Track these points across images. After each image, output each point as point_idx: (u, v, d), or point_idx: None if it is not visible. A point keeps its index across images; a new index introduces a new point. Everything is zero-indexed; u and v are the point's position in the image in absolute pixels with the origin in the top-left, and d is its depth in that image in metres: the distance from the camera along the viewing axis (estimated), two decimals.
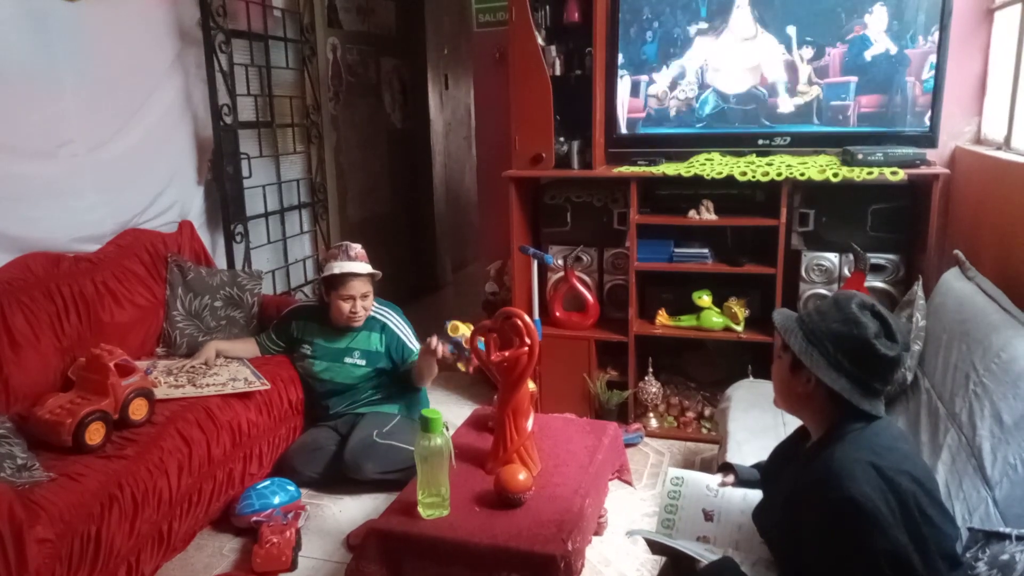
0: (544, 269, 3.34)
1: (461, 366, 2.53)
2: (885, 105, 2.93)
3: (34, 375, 2.44)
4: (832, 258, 3.00)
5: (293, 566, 2.36)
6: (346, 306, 2.83)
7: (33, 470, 2.06)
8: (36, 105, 2.64)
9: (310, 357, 2.95)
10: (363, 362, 2.93)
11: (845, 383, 1.34)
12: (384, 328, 2.94)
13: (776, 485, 1.51)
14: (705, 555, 1.49)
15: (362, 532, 2.39)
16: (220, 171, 3.34)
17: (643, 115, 3.19)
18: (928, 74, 2.85)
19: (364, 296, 2.86)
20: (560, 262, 3.35)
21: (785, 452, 1.59)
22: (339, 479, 2.79)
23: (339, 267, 2.81)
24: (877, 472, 1.27)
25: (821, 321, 1.39)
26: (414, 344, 2.95)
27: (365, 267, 2.86)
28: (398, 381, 2.99)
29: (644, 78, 3.14)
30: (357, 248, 2.90)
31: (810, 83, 2.98)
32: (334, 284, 2.83)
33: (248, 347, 3.01)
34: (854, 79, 2.94)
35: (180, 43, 3.25)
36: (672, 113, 3.16)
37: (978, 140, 3.08)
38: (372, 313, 2.93)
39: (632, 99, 3.19)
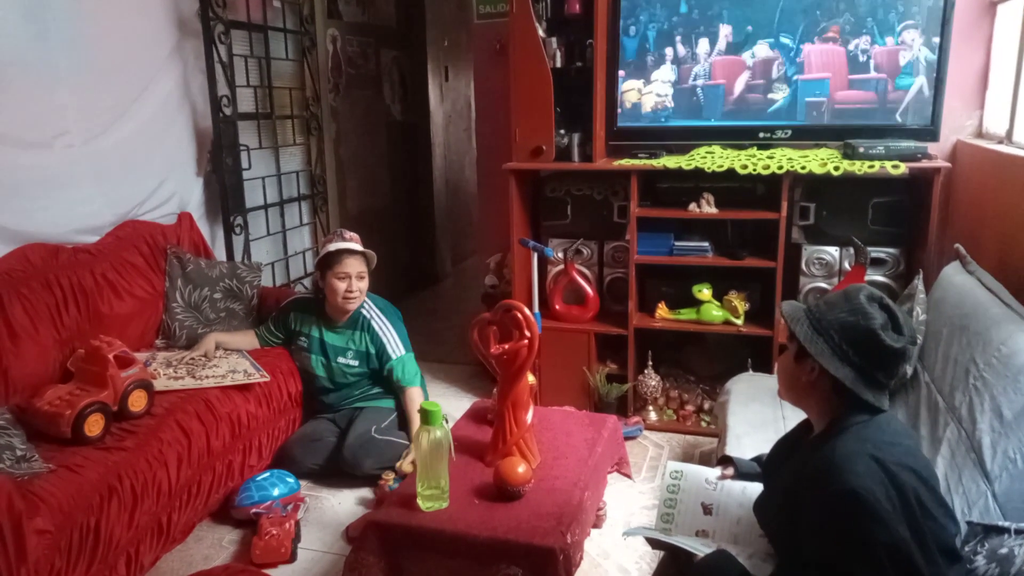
0: (544, 262, 3.33)
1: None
2: (886, 99, 2.93)
3: (33, 366, 2.44)
4: (833, 252, 3.00)
5: (292, 558, 2.36)
6: (342, 285, 2.81)
7: (32, 461, 2.05)
8: (31, 95, 2.62)
9: (306, 351, 2.94)
10: (356, 362, 2.92)
11: (849, 372, 1.34)
12: (370, 329, 2.90)
13: (777, 477, 1.51)
14: (702, 549, 1.49)
15: (361, 524, 2.38)
16: (219, 163, 3.33)
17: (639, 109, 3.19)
18: (930, 68, 2.85)
19: (360, 276, 2.85)
20: (560, 255, 3.35)
21: (788, 444, 1.59)
22: (339, 471, 2.79)
23: (334, 246, 2.83)
24: (878, 465, 1.27)
25: (829, 311, 1.39)
26: (395, 349, 2.89)
27: (359, 246, 2.87)
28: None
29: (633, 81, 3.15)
30: (352, 233, 2.91)
31: (812, 76, 2.98)
32: (330, 263, 2.83)
33: (247, 339, 3.01)
34: (855, 73, 2.93)
35: (179, 33, 3.23)
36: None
37: (980, 134, 3.07)
38: (365, 313, 2.91)
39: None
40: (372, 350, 2.91)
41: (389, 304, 3.04)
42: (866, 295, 1.37)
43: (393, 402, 2.97)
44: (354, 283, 2.83)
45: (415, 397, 2.86)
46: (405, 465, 2.58)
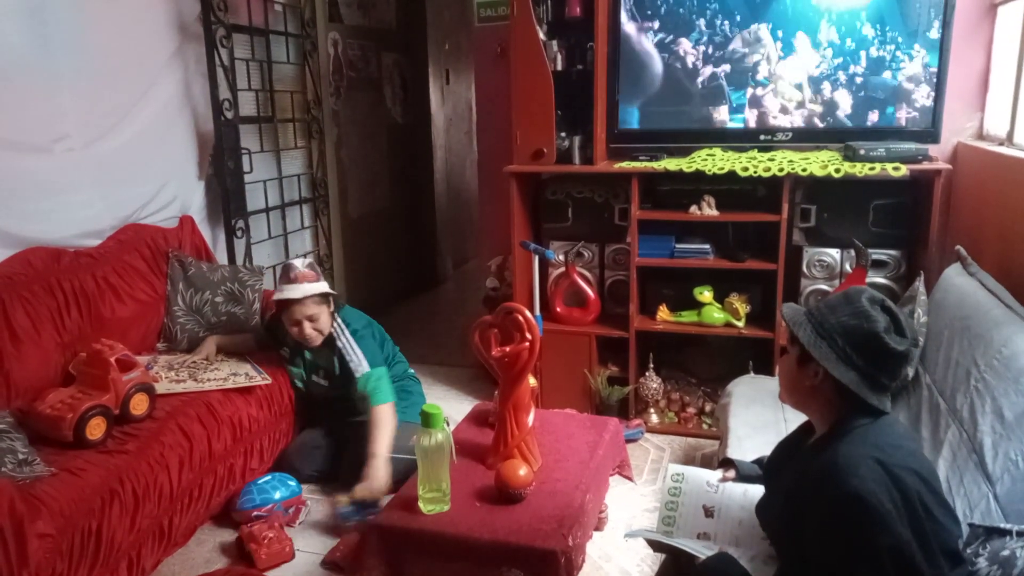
0: (545, 265, 3.34)
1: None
2: (887, 101, 2.93)
3: (35, 370, 2.44)
4: (833, 254, 3.00)
5: (292, 555, 2.39)
6: (295, 331, 2.73)
7: (34, 465, 2.06)
8: (32, 99, 2.63)
9: (288, 362, 2.91)
10: (326, 383, 2.86)
11: (853, 376, 1.34)
12: (335, 350, 2.78)
13: (779, 479, 1.51)
14: (703, 552, 1.49)
15: (339, 548, 2.39)
16: (221, 166, 3.34)
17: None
18: (931, 69, 2.85)
19: (311, 318, 2.70)
20: (561, 257, 3.35)
21: (789, 447, 1.59)
22: (340, 471, 2.78)
23: (278, 293, 2.71)
24: (882, 468, 1.27)
25: (831, 314, 1.38)
26: (359, 366, 2.73)
27: (306, 289, 2.68)
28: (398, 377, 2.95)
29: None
30: (299, 269, 2.72)
31: (812, 78, 2.98)
32: (281, 307, 2.74)
33: (248, 342, 3.00)
34: (857, 73, 2.93)
35: (180, 37, 3.24)
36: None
37: (980, 136, 3.07)
38: (334, 332, 2.78)
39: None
40: (338, 371, 2.80)
41: (360, 317, 2.91)
42: (867, 297, 1.37)
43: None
44: (306, 327, 2.71)
45: (381, 416, 2.62)
46: (359, 491, 2.46)
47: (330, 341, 2.79)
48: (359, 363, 2.73)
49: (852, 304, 1.37)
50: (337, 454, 2.81)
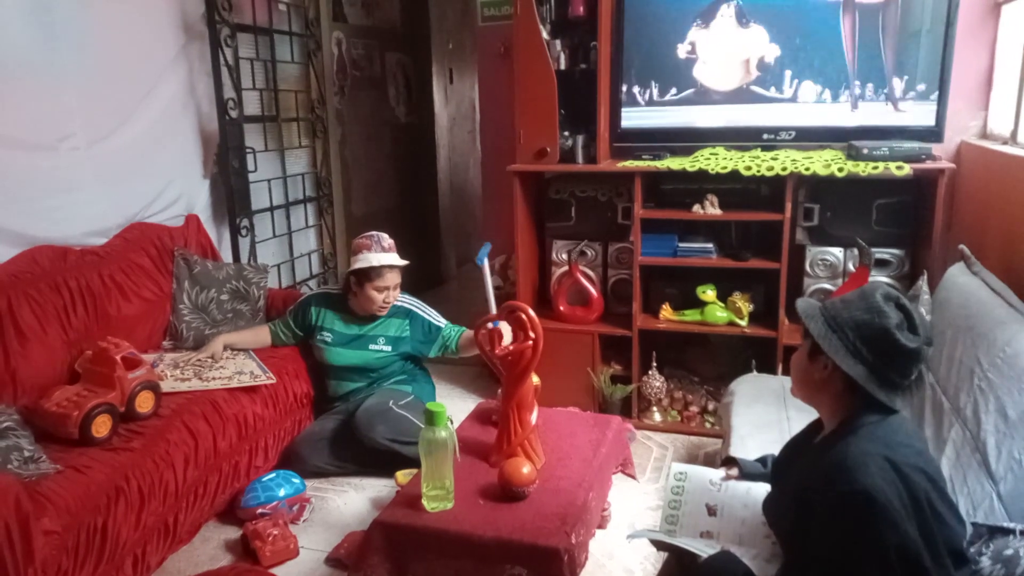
0: (547, 263, 3.34)
1: None
2: (890, 99, 2.92)
3: (41, 368, 2.45)
4: (837, 253, 3.00)
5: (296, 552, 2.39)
6: (380, 296, 2.87)
7: (40, 462, 2.07)
8: (37, 97, 2.63)
9: (330, 345, 2.95)
10: (388, 348, 2.96)
11: (862, 371, 1.34)
12: (409, 313, 2.99)
13: (787, 476, 1.52)
14: (705, 550, 1.50)
15: (343, 545, 2.40)
16: (225, 165, 3.34)
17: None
18: (934, 68, 2.84)
19: (396, 287, 2.91)
20: (564, 256, 3.36)
21: (797, 445, 1.59)
22: (344, 471, 2.80)
23: (377, 259, 2.84)
24: (891, 466, 1.27)
25: (844, 309, 1.39)
26: (440, 320, 3.05)
27: (399, 260, 2.90)
28: (417, 364, 3.10)
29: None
30: (390, 240, 2.94)
31: (814, 76, 2.98)
32: (369, 275, 2.84)
33: (259, 336, 3.02)
34: (860, 71, 2.93)
35: (184, 36, 3.25)
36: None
37: (984, 135, 3.07)
38: (399, 303, 2.98)
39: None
40: (406, 333, 2.97)
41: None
42: (882, 294, 1.37)
43: (411, 387, 3.00)
44: (391, 294, 2.90)
45: (469, 335, 2.99)
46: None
47: (392, 308, 2.95)
48: (438, 318, 3.05)
49: (866, 299, 1.37)
50: (343, 449, 2.82)
